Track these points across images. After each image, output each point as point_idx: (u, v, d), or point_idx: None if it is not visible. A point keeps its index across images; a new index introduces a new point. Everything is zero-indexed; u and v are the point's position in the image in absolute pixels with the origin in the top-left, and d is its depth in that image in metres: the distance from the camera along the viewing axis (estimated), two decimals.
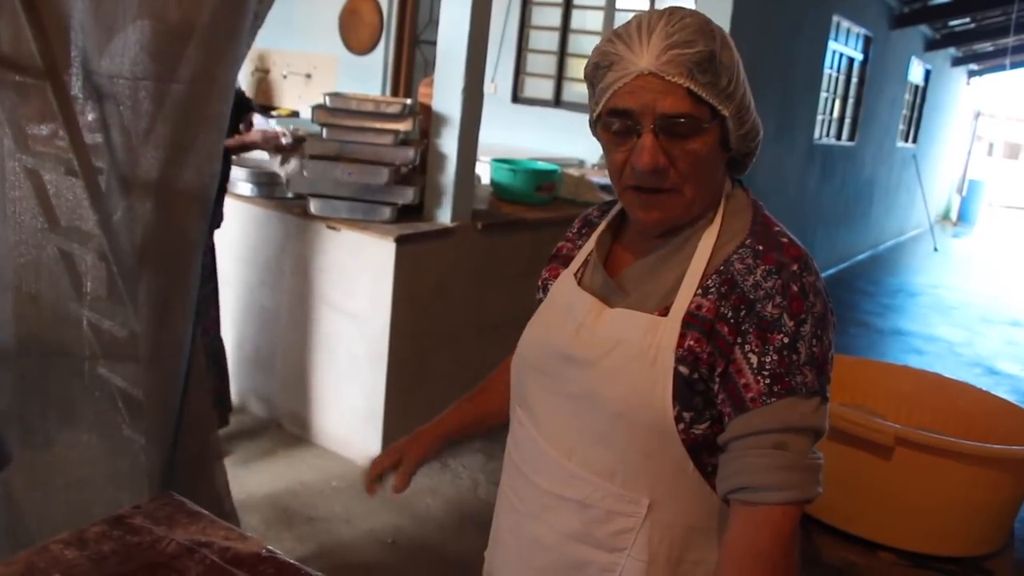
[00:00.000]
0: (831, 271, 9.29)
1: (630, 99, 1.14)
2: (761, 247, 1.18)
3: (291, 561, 1.46)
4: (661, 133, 1.14)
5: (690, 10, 1.17)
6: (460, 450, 4.02)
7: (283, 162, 3.92)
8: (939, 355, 7.20)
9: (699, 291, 1.18)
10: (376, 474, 1.67)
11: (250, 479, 3.58)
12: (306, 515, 3.39)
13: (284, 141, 3.80)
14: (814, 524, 2.35)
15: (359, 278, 3.74)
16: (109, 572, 1.38)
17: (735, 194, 1.27)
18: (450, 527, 3.42)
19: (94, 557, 1.41)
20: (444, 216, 3.85)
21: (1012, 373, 6.95)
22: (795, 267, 1.15)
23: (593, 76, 1.20)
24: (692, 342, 1.16)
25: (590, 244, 1.37)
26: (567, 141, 7.06)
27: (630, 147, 1.17)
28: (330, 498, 3.55)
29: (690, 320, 1.17)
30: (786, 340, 1.12)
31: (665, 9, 1.16)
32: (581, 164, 6.64)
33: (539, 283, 1.46)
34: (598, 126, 1.23)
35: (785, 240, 1.20)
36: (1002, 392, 3.34)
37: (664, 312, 1.19)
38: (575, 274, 1.36)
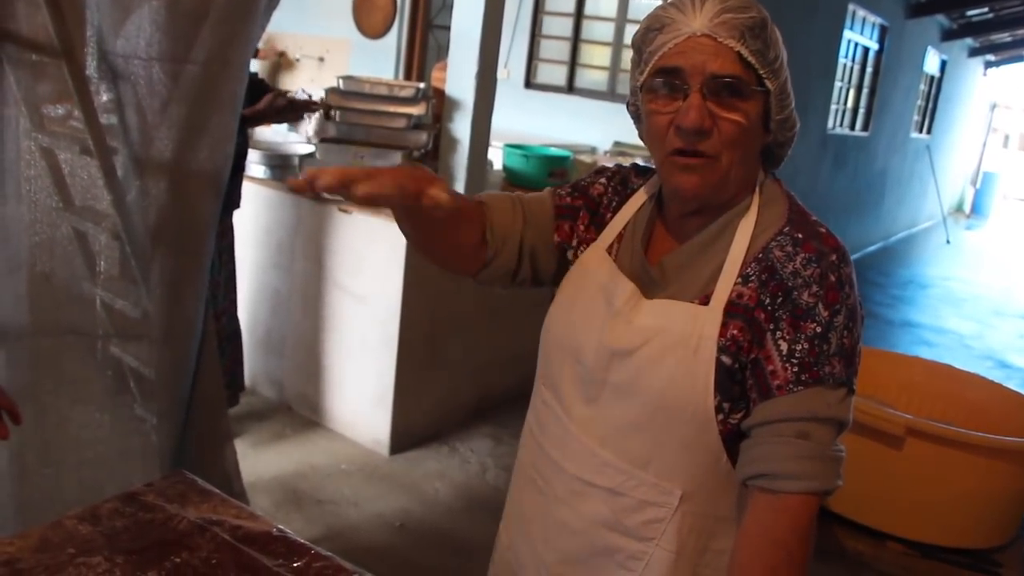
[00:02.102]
0: None
1: (680, 58, 1.14)
2: (800, 235, 1.18)
3: (301, 540, 1.47)
4: (709, 94, 1.14)
5: None
6: (469, 435, 4.03)
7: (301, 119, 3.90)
8: (950, 347, 7.18)
9: (739, 279, 1.18)
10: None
11: (260, 461, 3.60)
12: (315, 497, 3.41)
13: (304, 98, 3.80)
14: (824, 513, 2.36)
15: (370, 261, 3.74)
16: (122, 548, 1.39)
17: (768, 184, 1.27)
18: (458, 511, 3.43)
19: (107, 533, 1.43)
20: None
21: (1023, 367, 6.92)
22: (834, 257, 1.15)
23: (642, 40, 1.21)
24: (735, 331, 1.16)
25: (624, 214, 1.35)
26: (580, 127, 7.03)
27: (675, 109, 1.16)
28: (339, 481, 3.56)
29: (732, 309, 1.17)
30: (819, 330, 1.12)
31: None
32: (593, 151, 6.61)
33: (569, 232, 1.38)
34: (642, 91, 1.22)
35: (823, 230, 1.20)
36: (1013, 385, 3.32)
37: (704, 301, 1.19)
38: (609, 250, 1.33)
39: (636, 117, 1.30)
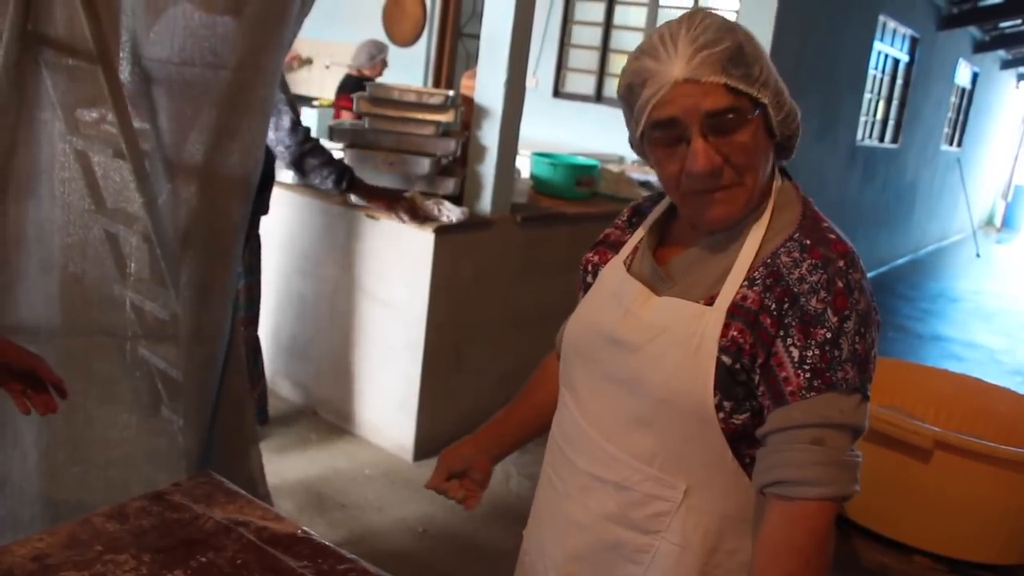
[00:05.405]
0: (871, 274, 9.09)
1: (671, 108, 1.15)
2: (809, 241, 1.18)
3: (326, 543, 1.48)
4: (710, 133, 1.15)
5: (705, 11, 1.19)
6: None
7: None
8: (979, 362, 7.10)
9: (745, 283, 1.19)
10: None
11: (284, 464, 3.62)
12: (338, 501, 3.42)
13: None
14: (848, 525, 2.33)
15: (397, 268, 3.76)
16: (148, 546, 1.40)
17: (784, 188, 1.28)
18: (481, 518, 3.43)
19: (134, 531, 1.44)
20: (483, 208, 3.86)
21: None
22: (841, 263, 1.15)
23: (628, 96, 1.22)
24: (735, 332, 1.16)
25: (641, 232, 1.38)
26: (607, 137, 7.04)
27: (682, 156, 1.17)
28: (363, 486, 3.57)
29: (735, 311, 1.18)
30: (828, 335, 1.12)
31: (682, 16, 1.18)
32: (621, 160, 6.61)
33: (584, 265, 1.46)
34: (644, 143, 1.24)
35: (833, 236, 1.20)
36: None
37: (710, 302, 1.20)
38: (624, 261, 1.37)
39: (643, 155, 1.31)
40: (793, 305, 1.14)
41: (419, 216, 3.61)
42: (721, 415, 1.18)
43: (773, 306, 1.16)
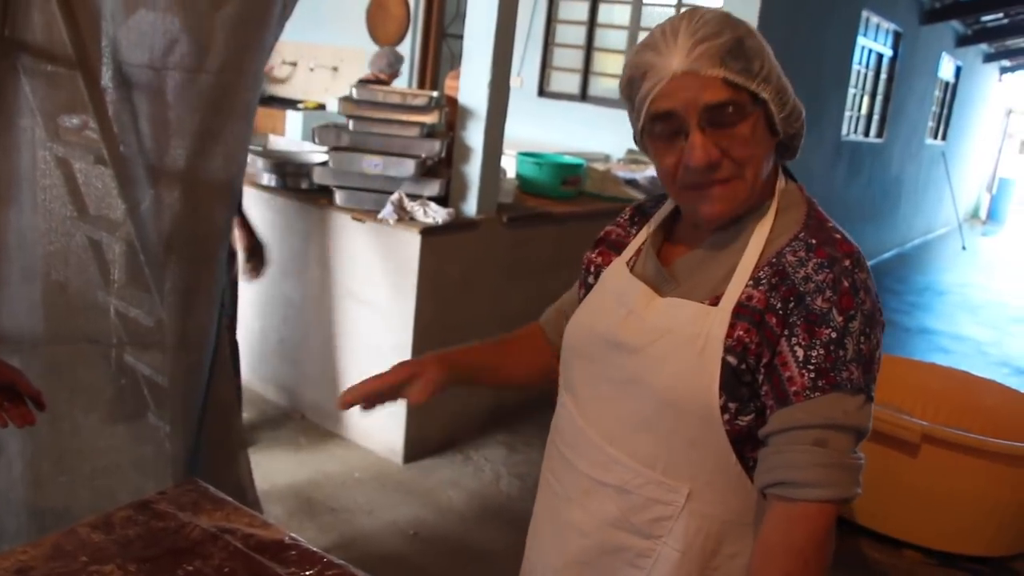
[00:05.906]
0: None
1: (670, 100, 1.15)
2: (814, 240, 1.18)
3: (314, 549, 1.47)
4: (708, 126, 1.15)
5: (708, 8, 1.19)
6: (483, 443, 4.03)
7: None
8: (966, 354, 7.13)
9: (750, 282, 1.18)
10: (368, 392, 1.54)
11: (273, 469, 3.60)
12: (328, 506, 3.41)
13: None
14: (841, 521, 2.34)
15: (383, 270, 3.75)
16: (134, 556, 1.39)
17: (789, 189, 1.27)
18: (472, 519, 3.43)
19: (120, 541, 1.43)
20: (469, 209, 3.85)
21: None
22: (847, 263, 1.15)
23: (629, 90, 1.22)
24: (741, 332, 1.16)
25: (644, 233, 1.38)
26: (593, 136, 7.03)
27: (680, 149, 1.17)
28: (352, 489, 3.56)
29: (740, 310, 1.17)
30: (834, 335, 1.12)
31: (684, 12, 1.18)
32: (607, 159, 6.61)
33: (586, 264, 1.45)
34: (644, 137, 1.24)
35: (839, 236, 1.20)
36: None
37: (715, 302, 1.19)
38: (628, 262, 1.36)
39: (645, 150, 1.31)
40: (798, 304, 1.14)
41: (262, 271, 3.63)
42: (726, 417, 1.18)
43: (778, 305, 1.15)
